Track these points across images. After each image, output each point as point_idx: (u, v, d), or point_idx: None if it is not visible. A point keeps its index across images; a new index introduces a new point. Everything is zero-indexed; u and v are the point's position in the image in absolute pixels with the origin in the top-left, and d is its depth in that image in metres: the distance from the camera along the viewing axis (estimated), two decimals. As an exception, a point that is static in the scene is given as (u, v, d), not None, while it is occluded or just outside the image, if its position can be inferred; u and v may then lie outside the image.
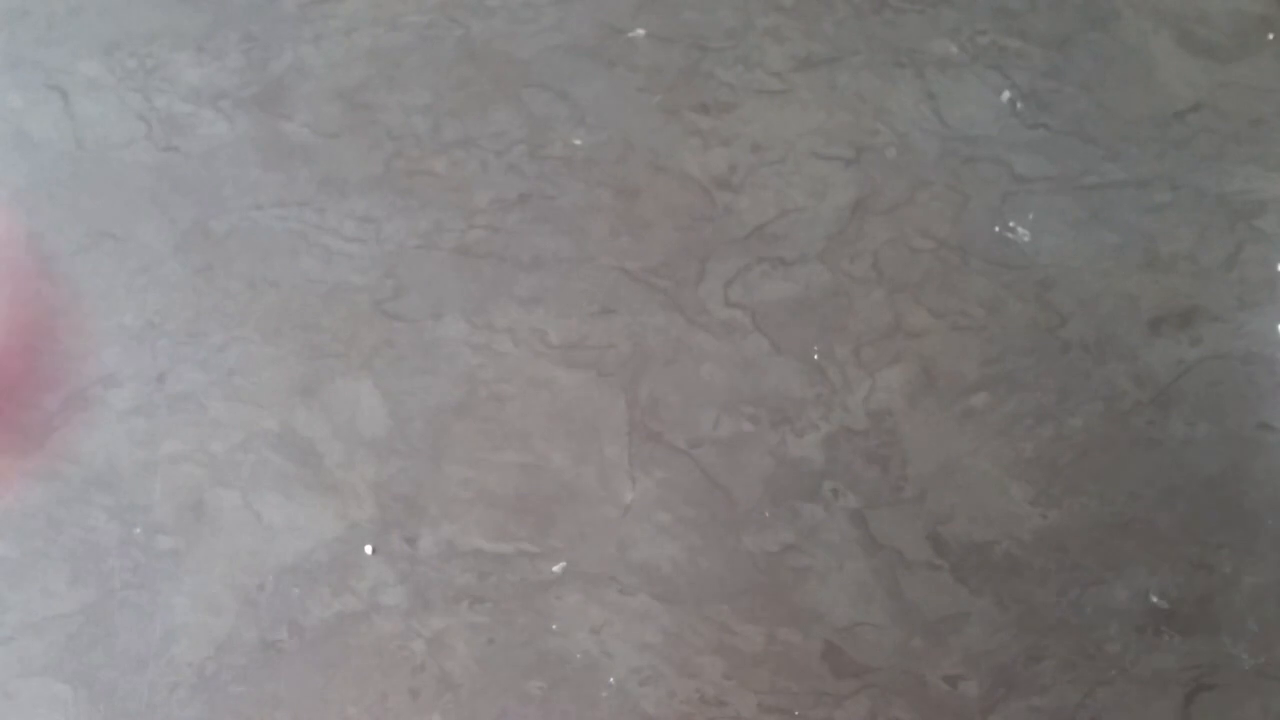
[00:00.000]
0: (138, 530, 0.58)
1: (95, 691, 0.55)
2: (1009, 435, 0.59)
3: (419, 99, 0.66)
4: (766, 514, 0.53)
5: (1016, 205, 0.64)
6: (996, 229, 0.64)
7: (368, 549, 0.56)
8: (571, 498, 0.62)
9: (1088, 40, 0.68)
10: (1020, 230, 0.63)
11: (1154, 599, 0.57)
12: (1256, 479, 0.59)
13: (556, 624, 0.60)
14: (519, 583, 0.61)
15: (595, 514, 0.62)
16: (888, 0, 0.68)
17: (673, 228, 0.64)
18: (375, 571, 0.56)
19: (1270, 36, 0.68)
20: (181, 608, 0.56)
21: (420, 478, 0.58)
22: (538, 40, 0.67)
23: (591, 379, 0.60)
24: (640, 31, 0.68)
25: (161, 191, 0.64)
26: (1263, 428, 0.60)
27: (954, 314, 0.62)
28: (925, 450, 0.60)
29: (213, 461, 0.58)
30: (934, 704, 0.54)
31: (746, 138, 0.65)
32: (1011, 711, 0.54)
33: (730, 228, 0.64)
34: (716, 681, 0.57)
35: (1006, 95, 0.66)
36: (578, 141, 0.65)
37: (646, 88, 0.66)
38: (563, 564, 0.62)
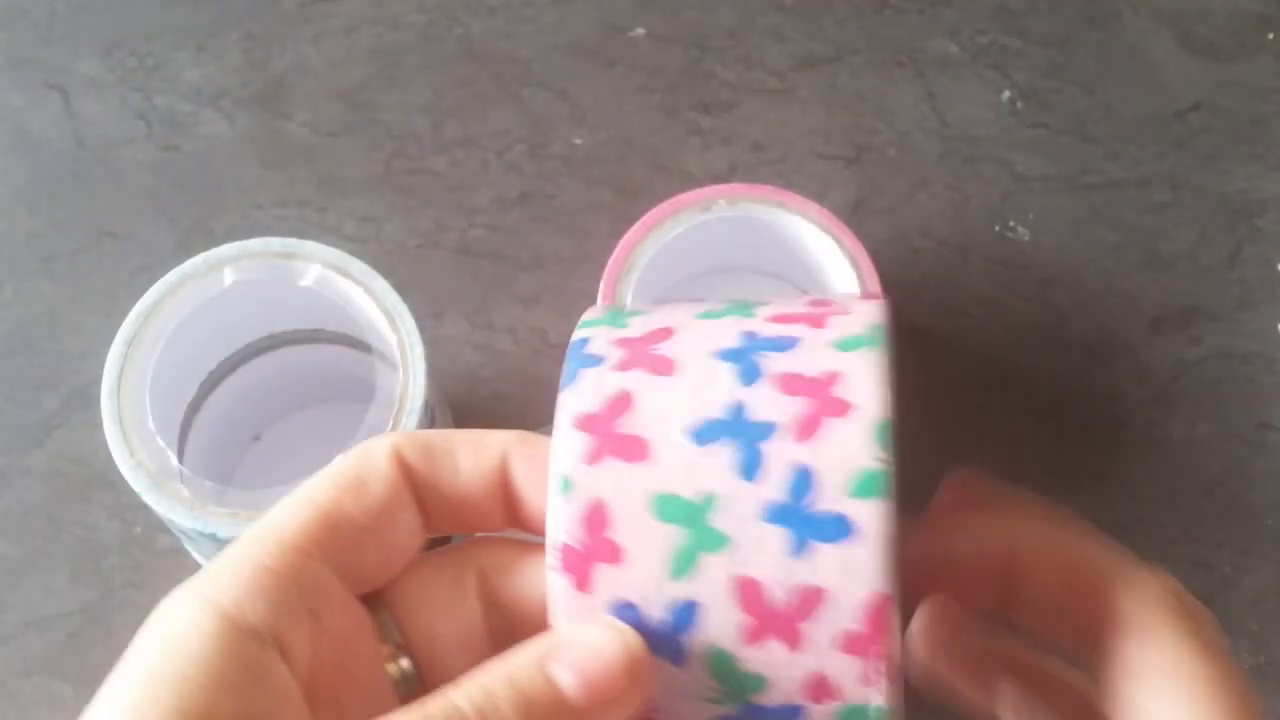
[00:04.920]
0: (138, 530, 0.58)
1: (95, 691, 0.55)
2: (1009, 435, 0.59)
3: (419, 98, 0.66)
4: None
5: (1016, 205, 0.64)
6: (996, 228, 0.64)
7: (368, 548, 0.56)
8: (571, 497, 0.62)
9: (1088, 40, 0.68)
10: (1020, 230, 0.63)
11: (1154, 599, 0.57)
12: (1256, 479, 0.59)
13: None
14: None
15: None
16: (888, 0, 0.68)
17: (673, 227, 0.64)
18: (375, 571, 0.56)
19: (1270, 36, 0.68)
20: (181, 607, 0.56)
21: (420, 477, 0.58)
22: (538, 40, 0.67)
23: (592, 378, 0.59)
24: (640, 31, 0.68)
25: (161, 191, 0.64)
26: (1263, 428, 0.60)
27: (954, 313, 0.62)
28: (925, 450, 0.59)
29: (213, 461, 0.58)
30: (936, 703, 0.54)
31: (747, 137, 0.65)
32: (1011, 711, 0.54)
33: (730, 227, 0.64)
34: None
35: (1006, 95, 0.66)
36: (578, 141, 0.65)
37: (646, 87, 0.66)
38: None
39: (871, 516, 0.22)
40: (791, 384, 0.23)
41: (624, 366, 0.25)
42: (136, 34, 0.67)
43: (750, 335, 0.24)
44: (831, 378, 0.23)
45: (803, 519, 0.22)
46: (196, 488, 0.45)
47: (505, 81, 0.66)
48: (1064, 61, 0.67)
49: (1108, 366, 0.61)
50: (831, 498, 0.22)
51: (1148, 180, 0.64)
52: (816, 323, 0.25)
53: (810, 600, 0.22)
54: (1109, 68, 0.67)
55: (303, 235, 0.49)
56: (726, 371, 0.24)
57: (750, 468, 0.22)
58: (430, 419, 0.48)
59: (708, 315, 0.26)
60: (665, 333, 0.25)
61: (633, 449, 0.23)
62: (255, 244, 0.48)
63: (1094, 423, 0.60)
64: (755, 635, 0.22)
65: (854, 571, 0.22)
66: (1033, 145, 0.65)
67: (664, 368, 0.24)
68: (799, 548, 0.22)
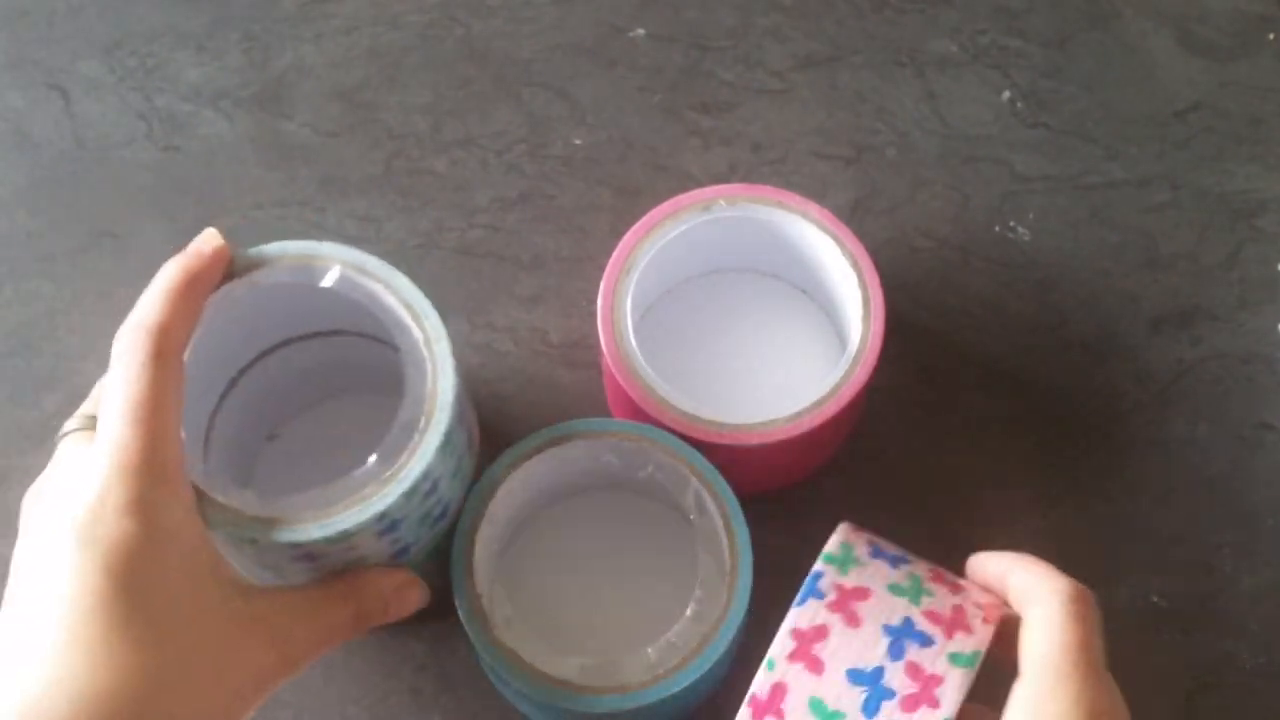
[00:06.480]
0: (138, 530, 0.57)
1: (95, 691, 0.55)
2: (1009, 435, 0.60)
3: (419, 98, 0.66)
4: (767, 512, 0.53)
5: (1016, 205, 0.64)
6: (996, 229, 0.64)
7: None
8: (571, 497, 0.62)
9: (1088, 40, 0.68)
10: (1020, 230, 0.63)
11: (1154, 599, 0.57)
12: (1256, 479, 0.59)
13: (556, 623, 0.60)
14: (519, 582, 0.61)
15: (595, 514, 0.62)
16: (888, 0, 0.68)
17: (673, 227, 0.64)
18: (375, 571, 0.56)
19: (1270, 36, 0.68)
20: (181, 607, 0.56)
21: (420, 477, 0.58)
22: (538, 40, 0.67)
23: (593, 378, 0.60)
24: (640, 31, 0.68)
25: (161, 191, 0.64)
26: (1263, 428, 0.60)
27: (954, 314, 0.62)
28: (925, 450, 0.60)
29: (213, 461, 0.58)
30: (934, 704, 0.54)
31: (747, 137, 0.65)
32: (1012, 711, 0.54)
33: (730, 227, 0.64)
34: (717, 681, 0.57)
35: (1006, 95, 0.66)
36: (578, 141, 0.65)
37: (646, 87, 0.66)
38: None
39: None
40: (915, 672, 0.39)
41: (832, 608, 0.41)
42: (136, 34, 0.67)
43: (909, 622, 0.40)
44: (939, 680, 0.39)
45: None
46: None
47: (505, 81, 0.66)
48: (1064, 61, 0.67)
49: (1108, 366, 0.61)
50: None
51: (1148, 180, 0.65)
52: (949, 632, 0.40)
53: None
54: (1109, 68, 0.67)
55: (303, 236, 0.49)
56: (884, 644, 0.40)
57: (870, 710, 0.38)
58: (460, 412, 0.47)
59: (893, 589, 0.42)
60: (865, 593, 0.41)
61: (814, 665, 0.39)
62: (273, 248, 0.48)
63: (1094, 423, 0.60)
64: None
65: None
66: (1033, 145, 0.65)
67: (853, 622, 0.40)
68: None
